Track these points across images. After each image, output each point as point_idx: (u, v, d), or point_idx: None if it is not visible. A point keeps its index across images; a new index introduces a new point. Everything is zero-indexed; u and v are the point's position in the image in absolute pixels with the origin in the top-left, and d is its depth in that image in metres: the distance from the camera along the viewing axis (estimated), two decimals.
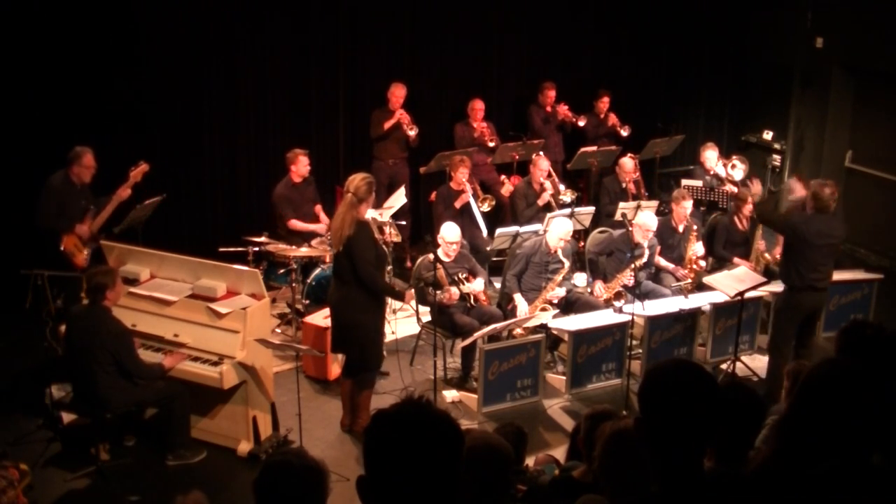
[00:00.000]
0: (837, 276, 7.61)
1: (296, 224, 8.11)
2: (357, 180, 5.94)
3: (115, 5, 8.28)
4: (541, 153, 9.19)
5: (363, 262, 5.90)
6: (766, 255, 8.10)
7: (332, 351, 6.55)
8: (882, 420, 2.41)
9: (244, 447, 6.09)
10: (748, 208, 8.05)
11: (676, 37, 11.24)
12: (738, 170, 9.34)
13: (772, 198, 10.84)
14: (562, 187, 9.02)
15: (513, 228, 8.32)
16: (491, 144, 9.52)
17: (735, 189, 9.01)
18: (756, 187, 7.32)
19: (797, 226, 6.58)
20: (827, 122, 10.68)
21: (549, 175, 8.95)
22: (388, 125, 9.09)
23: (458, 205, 8.41)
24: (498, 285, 8.07)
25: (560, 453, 5.14)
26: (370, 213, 6.64)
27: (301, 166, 8.14)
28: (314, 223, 8.25)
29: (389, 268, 7.76)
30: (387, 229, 7.91)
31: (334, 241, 6.03)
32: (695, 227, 8.14)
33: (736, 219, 8.22)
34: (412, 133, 9.08)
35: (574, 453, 4.41)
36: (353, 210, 5.89)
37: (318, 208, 8.43)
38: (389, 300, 6.76)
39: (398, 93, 9.12)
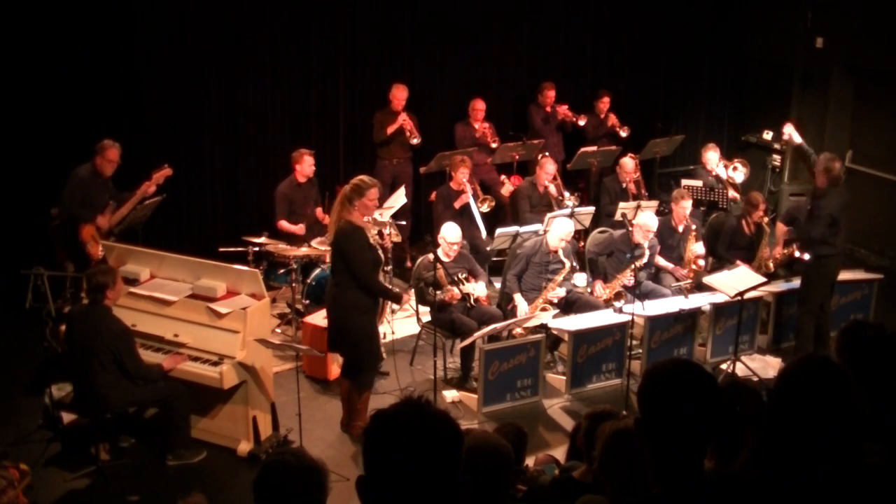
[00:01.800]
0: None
1: (283, 225, 8.09)
2: (354, 181, 5.94)
3: (117, 6, 8.28)
4: (546, 154, 9.19)
5: (359, 265, 5.87)
6: (770, 262, 8.07)
7: (329, 350, 6.53)
8: (877, 417, 2.41)
9: (244, 447, 6.09)
10: (758, 214, 8.03)
11: (676, 37, 11.24)
12: (739, 172, 9.33)
13: (772, 199, 10.84)
14: (566, 193, 8.97)
15: (513, 228, 8.32)
16: (493, 146, 9.52)
17: (735, 192, 9.00)
18: (789, 134, 7.71)
19: (826, 210, 7.13)
20: (827, 122, 10.68)
21: (555, 178, 8.94)
22: (390, 130, 9.08)
23: (457, 205, 8.40)
24: (498, 285, 8.07)
25: (560, 453, 5.14)
26: None
27: (306, 166, 8.13)
28: (306, 223, 8.22)
29: (389, 267, 7.76)
30: (387, 230, 7.90)
31: (329, 234, 6.08)
32: (693, 227, 8.14)
33: (743, 222, 8.17)
34: (415, 142, 9.09)
35: (574, 453, 4.41)
36: (344, 209, 5.87)
37: (320, 211, 8.43)
38: (385, 304, 6.73)
39: (399, 94, 9.10)
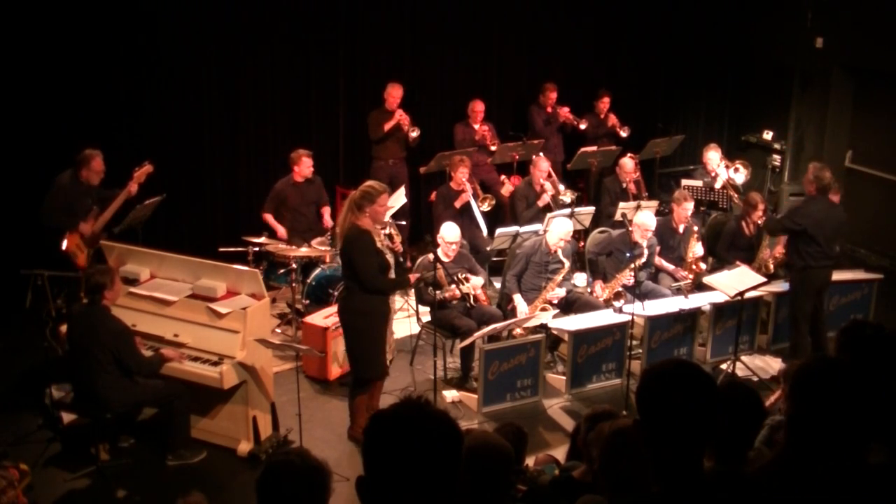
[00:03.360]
0: (837, 276, 7.65)
1: (268, 217, 8.17)
2: (363, 187, 5.85)
3: (118, 6, 8.28)
4: (540, 154, 9.19)
5: (364, 270, 5.80)
6: (770, 262, 8.07)
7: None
8: (881, 417, 2.42)
9: (244, 447, 6.09)
10: (757, 214, 8.02)
11: (676, 37, 11.24)
12: (740, 174, 9.32)
13: (772, 199, 10.85)
14: (561, 187, 9.01)
15: (513, 228, 8.32)
16: (493, 148, 9.51)
17: (735, 193, 8.99)
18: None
19: (802, 215, 7.13)
20: (827, 123, 10.68)
21: (549, 175, 8.94)
22: (387, 127, 9.07)
23: (458, 204, 8.40)
24: (498, 285, 8.07)
25: (560, 453, 5.14)
26: None
27: (304, 167, 8.14)
28: (304, 223, 8.23)
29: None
30: (388, 230, 7.87)
31: (338, 241, 6.05)
32: (695, 228, 8.13)
33: (743, 223, 8.16)
34: (414, 135, 9.07)
35: (574, 453, 4.41)
36: (352, 215, 5.80)
37: (326, 210, 8.41)
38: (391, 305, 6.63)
39: (395, 93, 9.10)
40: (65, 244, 7.05)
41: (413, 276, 6.38)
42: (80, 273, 6.83)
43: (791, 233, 7.30)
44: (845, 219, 7.43)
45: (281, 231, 8.12)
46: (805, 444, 2.34)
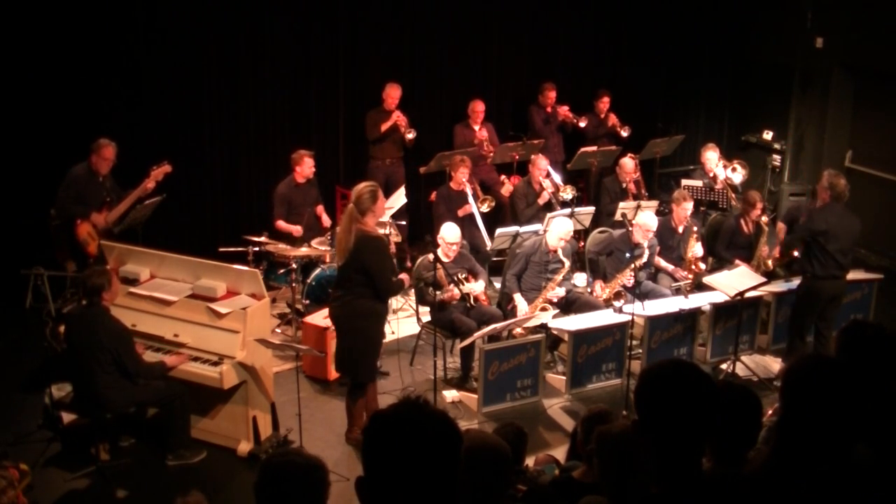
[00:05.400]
0: None
1: (281, 225, 8.11)
2: (359, 190, 5.76)
3: (117, 5, 8.28)
4: (538, 152, 9.20)
5: (382, 275, 5.75)
6: (769, 261, 8.07)
7: (336, 370, 6.51)
8: (871, 416, 2.42)
9: (244, 447, 6.09)
10: (755, 213, 8.02)
11: (676, 37, 11.25)
12: (737, 173, 9.32)
13: (772, 199, 10.85)
14: (561, 184, 9.01)
15: (513, 228, 8.32)
16: (490, 156, 9.49)
17: (731, 191, 9.00)
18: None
19: (817, 223, 6.92)
20: (827, 122, 10.68)
21: (548, 174, 8.94)
22: (385, 127, 9.06)
23: (461, 214, 8.37)
24: (498, 285, 8.07)
25: (560, 453, 5.14)
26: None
27: (306, 167, 8.14)
28: (304, 224, 8.22)
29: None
30: (387, 230, 7.87)
31: (339, 252, 5.88)
32: (695, 228, 8.13)
33: (742, 222, 8.17)
34: (410, 136, 9.06)
35: (574, 453, 4.41)
36: (356, 222, 5.72)
37: (321, 209, 8.43)
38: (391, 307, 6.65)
39: (393, 93, 9.09)
40: (77, 234, 7.16)
41: (405, 277, 6.29)
42: (84, 270, 6.87)
43: (811, 240, 6.99)
44: (860, 228, 7.12)
45: (297, 230, 8.06)
46: (796, 443, 2.34)
